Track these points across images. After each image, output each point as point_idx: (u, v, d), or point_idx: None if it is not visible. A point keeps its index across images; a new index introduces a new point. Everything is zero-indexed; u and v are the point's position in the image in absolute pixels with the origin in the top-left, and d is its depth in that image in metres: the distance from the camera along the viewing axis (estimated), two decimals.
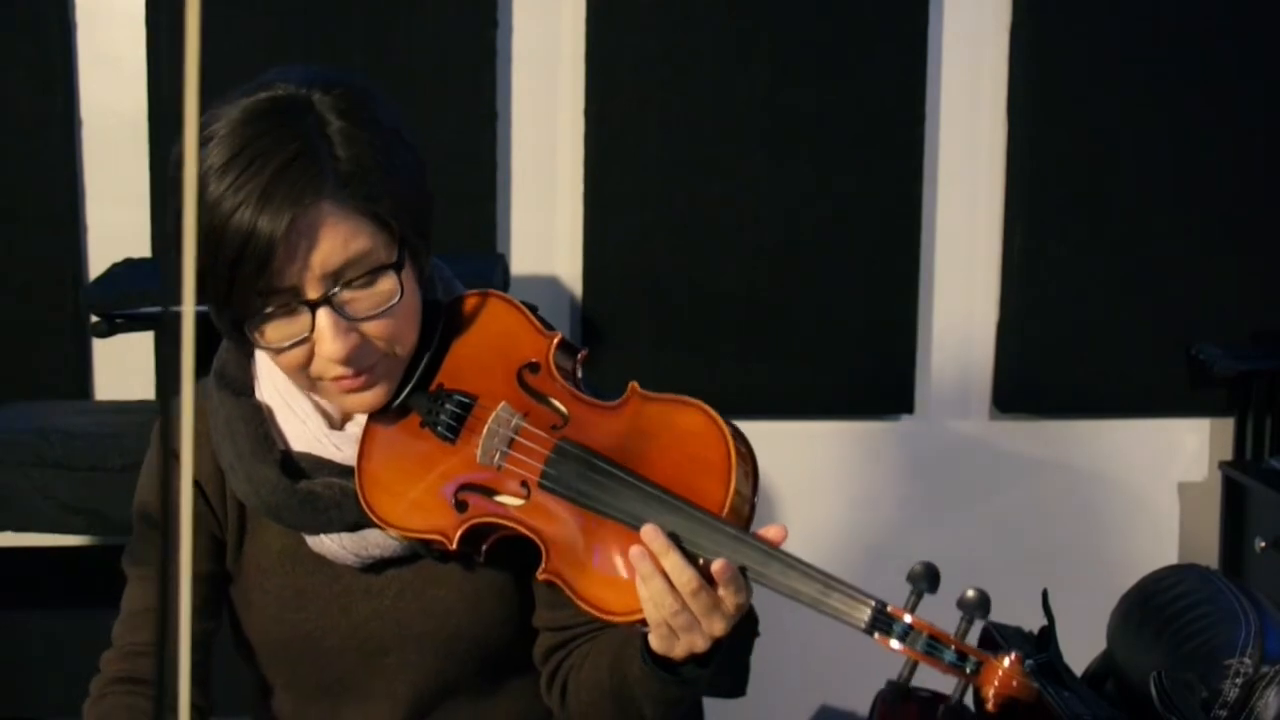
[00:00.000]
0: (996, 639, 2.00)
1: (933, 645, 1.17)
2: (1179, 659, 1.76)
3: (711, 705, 2.73)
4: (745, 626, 2.64)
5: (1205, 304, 3.08)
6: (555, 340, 1.34)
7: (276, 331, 1.27)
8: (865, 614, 1.17)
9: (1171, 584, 1.90)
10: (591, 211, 2.97)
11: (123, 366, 2.92)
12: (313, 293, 1.24)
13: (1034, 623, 1.98)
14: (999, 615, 2.08)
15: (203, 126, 1.24)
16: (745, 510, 1.26)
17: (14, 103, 2.84)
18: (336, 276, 1.24)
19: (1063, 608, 1.94)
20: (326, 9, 2.85)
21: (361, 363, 1.29)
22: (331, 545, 1.38)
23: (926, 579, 1.20)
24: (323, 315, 1.25)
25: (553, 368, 1.33)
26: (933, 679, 1.25)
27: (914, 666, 1.18)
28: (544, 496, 1.28)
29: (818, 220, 3.01)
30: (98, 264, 2.89)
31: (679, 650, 1.23)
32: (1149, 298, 3.07)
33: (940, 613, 1.22)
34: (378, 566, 1.41)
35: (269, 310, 1.25)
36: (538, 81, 2.98)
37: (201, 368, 3.16)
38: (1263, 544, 2.82)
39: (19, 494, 2.36)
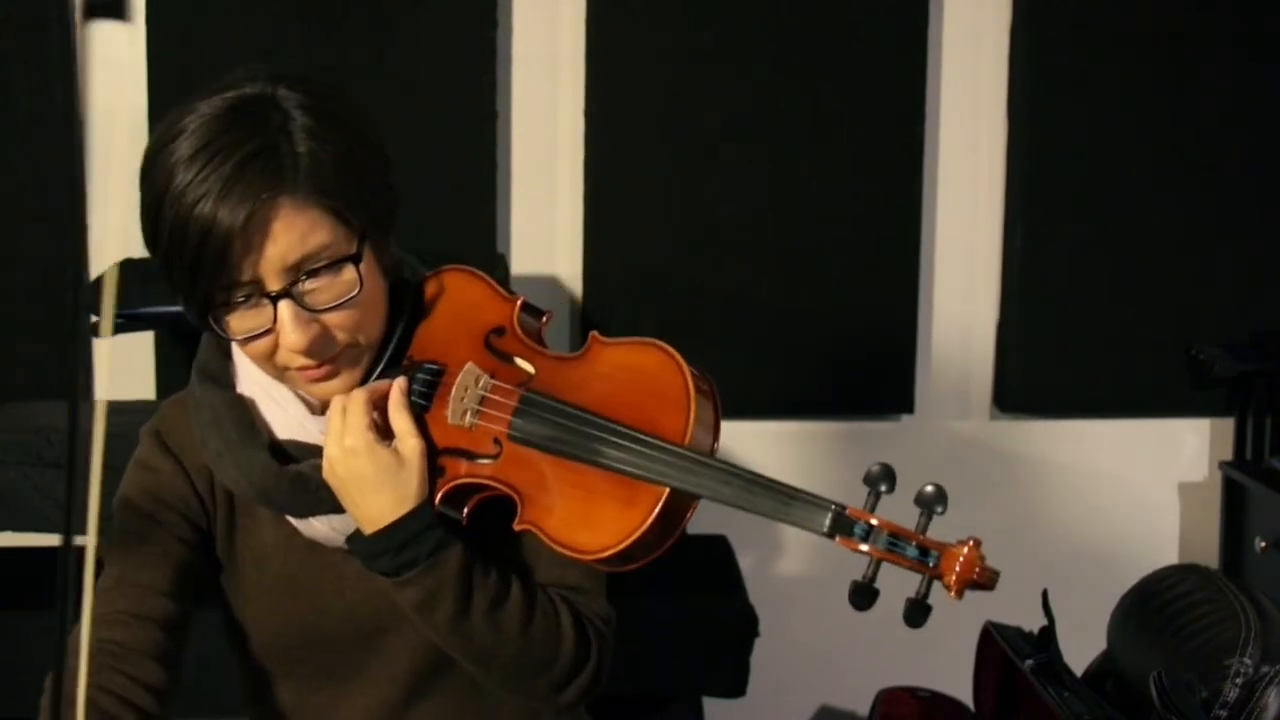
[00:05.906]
0: (997, 639, 2.00)
1: (894, 542, 1.19)
2: (1179, 659, 1.76)
3: (712, 705, 2.73)
4: (745, 627, 2.64)
5: (1205, 304, 3.08)
6: (519, 303, 1.38)
7: (241, 322, 1.30)
8: (826, 519, 1.20)
9: (1171, 584, 1.89)
10: (591, 211, 2.97)
11: (123, 366, 2.92)
12: (274, 285, 1.27)
13: (1034, 623, 1.97)
14: (998, 615, 2.08)
15: (172, 122, 1.28)
16: (708, 441, 1.29)
17: (14, 103, 2.83)
18: (297, 269, 1.27)
19: (1063, 608, 1.94)
20: (327, 9, 2.85)
21: (324, 353, 1.31)
22: (322, 528, 1.40)
23: (884, 479, 1.21)
24: (284, 307, 1.27)
25: (518, 329, 1.37)
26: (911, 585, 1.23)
27: (878, 565, 1.20)
28: (515, 449, 1.31)
29: (818, 220, 3.00)
30: (98, 264, 2.89)
31: None
32: (1149, 298, 3.07)
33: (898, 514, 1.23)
34: None
35: (233, 301, 1.28)
36: (538, 81, 2.98)
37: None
38: (1263, 544, 2.82)
39: (19, 494, 2.35)
